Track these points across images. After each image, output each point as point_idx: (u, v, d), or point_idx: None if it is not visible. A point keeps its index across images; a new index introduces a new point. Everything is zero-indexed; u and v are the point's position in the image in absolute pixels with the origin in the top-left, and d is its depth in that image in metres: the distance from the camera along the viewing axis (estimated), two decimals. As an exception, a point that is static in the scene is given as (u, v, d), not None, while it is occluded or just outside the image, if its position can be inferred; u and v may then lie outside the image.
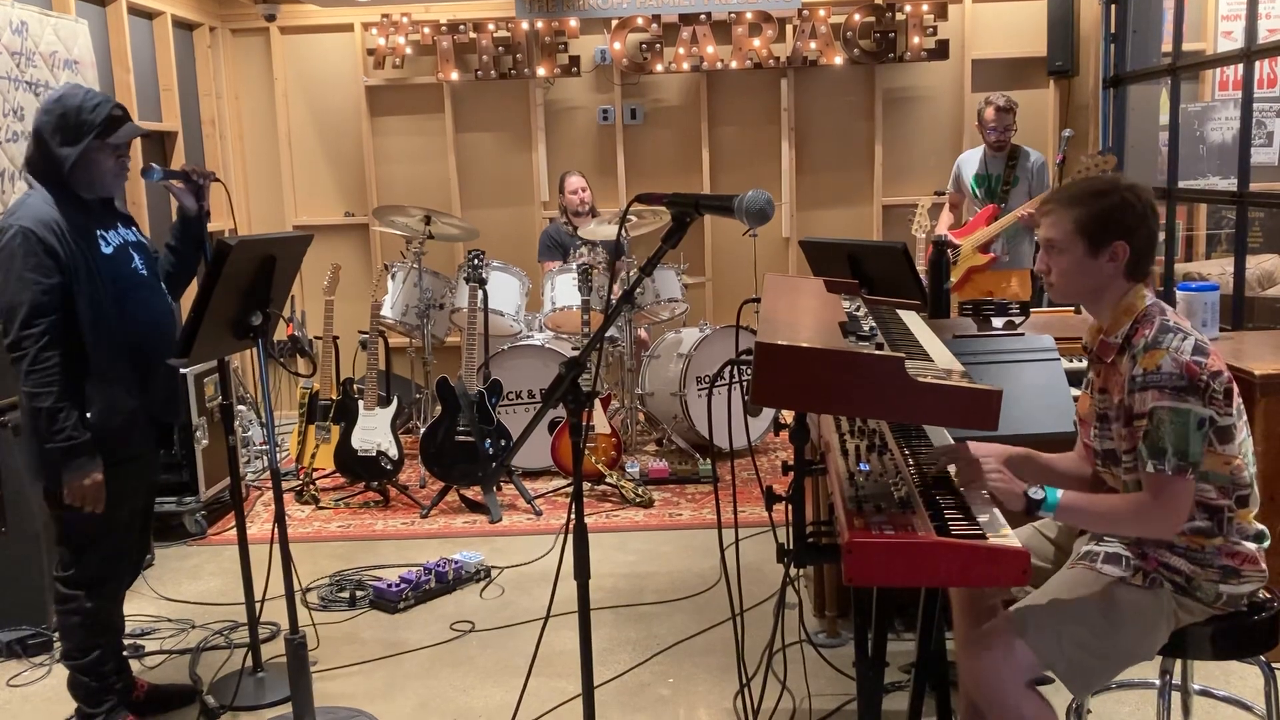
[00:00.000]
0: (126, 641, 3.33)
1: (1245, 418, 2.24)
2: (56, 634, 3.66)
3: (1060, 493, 2.18)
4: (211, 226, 3.18)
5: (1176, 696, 2.56)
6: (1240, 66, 5.28)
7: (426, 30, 6.69)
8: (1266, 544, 2.28)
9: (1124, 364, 2.23)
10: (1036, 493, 2.16)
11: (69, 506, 2.91)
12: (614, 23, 6.62)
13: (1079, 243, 2.26)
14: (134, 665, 3.41)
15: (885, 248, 3.41)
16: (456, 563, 4.23)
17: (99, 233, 2.93)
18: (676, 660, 3.54)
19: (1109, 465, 2.33)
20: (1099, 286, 2.29)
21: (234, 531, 3.37)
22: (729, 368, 2.40)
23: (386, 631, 3.84)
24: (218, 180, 3.21)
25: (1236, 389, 2.20)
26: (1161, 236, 5.51)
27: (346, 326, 6.22)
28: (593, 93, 6.92)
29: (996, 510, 2.09)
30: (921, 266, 4.49)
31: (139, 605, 4.02)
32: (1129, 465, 2.24)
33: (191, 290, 3.15)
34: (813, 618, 3.67)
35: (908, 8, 6.55)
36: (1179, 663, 2.47)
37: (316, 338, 5.75)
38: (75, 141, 2.84)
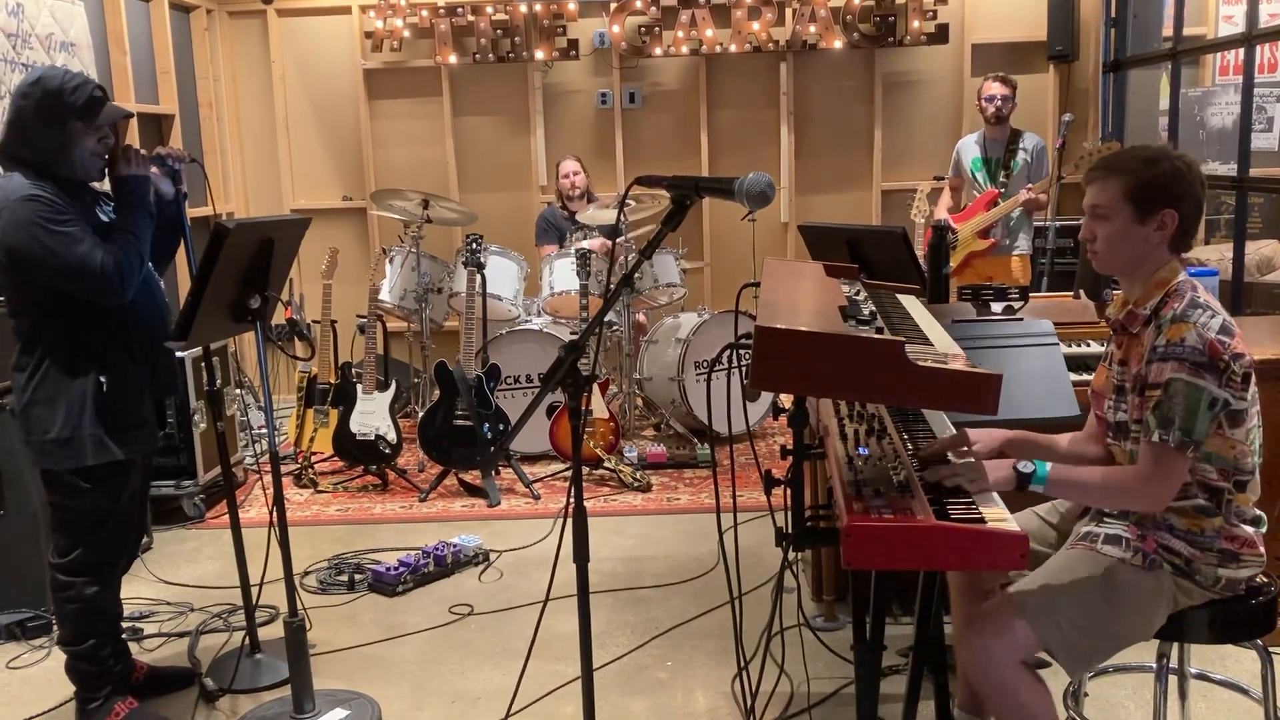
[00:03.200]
0: (125, 624, 3.33)
1: (1259, 406, 2.24)
2: (55, 618, 3.67)
3: (1050, 465, 2.18)
4: (200, 211, 3.16)
5: (1173, 680, 2.56)
6: (1241, 51, 5.27)
7: (424, 13, 6.66)
8: (1264, 528, 2.28)
9: (1148, 335, 2.22)
10: (1026, 466, 2.16)
11: (67, 492, 2.91)
12: (612, 6, 6.59)
13: (1126, 209, 2.23)
14: (133, 648, 3.42)
15: (884, 232, 3.41)
16: (455, 546, 4.24)
17: (92, 206, 2.93)
18: (675, 643, 3.55)
19: (1119, 438, 2.32)
20: (1143, 256, 2.26)
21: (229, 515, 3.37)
22: (727, 352, 2.40)
23: (385, 614, 3.85)
24: (194, 162, 3.17)
25: (1253, 375, 2.19)
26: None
27: (344, 310, 6.20)
28: (591, 76, 6.90)
29: (995, 494, 2.09)
30: (921, 251, 4.49)
31: (138, 588, 4.02)
32: (1137, 434, 2.24)
33: (186, 274, 3.14)
34: (811, 601, 3.68)
35: (908, -9, 6.53)
36: (1176, 646, 2.48)
37: (314, 321, 5.75)
38: (57, 125, 2.78)
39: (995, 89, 5.49)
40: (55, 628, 3.65)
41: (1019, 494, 2.19)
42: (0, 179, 2.84)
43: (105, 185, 3.06)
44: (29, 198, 2.73)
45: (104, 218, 2.94)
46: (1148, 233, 2.24)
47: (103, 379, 2.87)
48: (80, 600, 2.98)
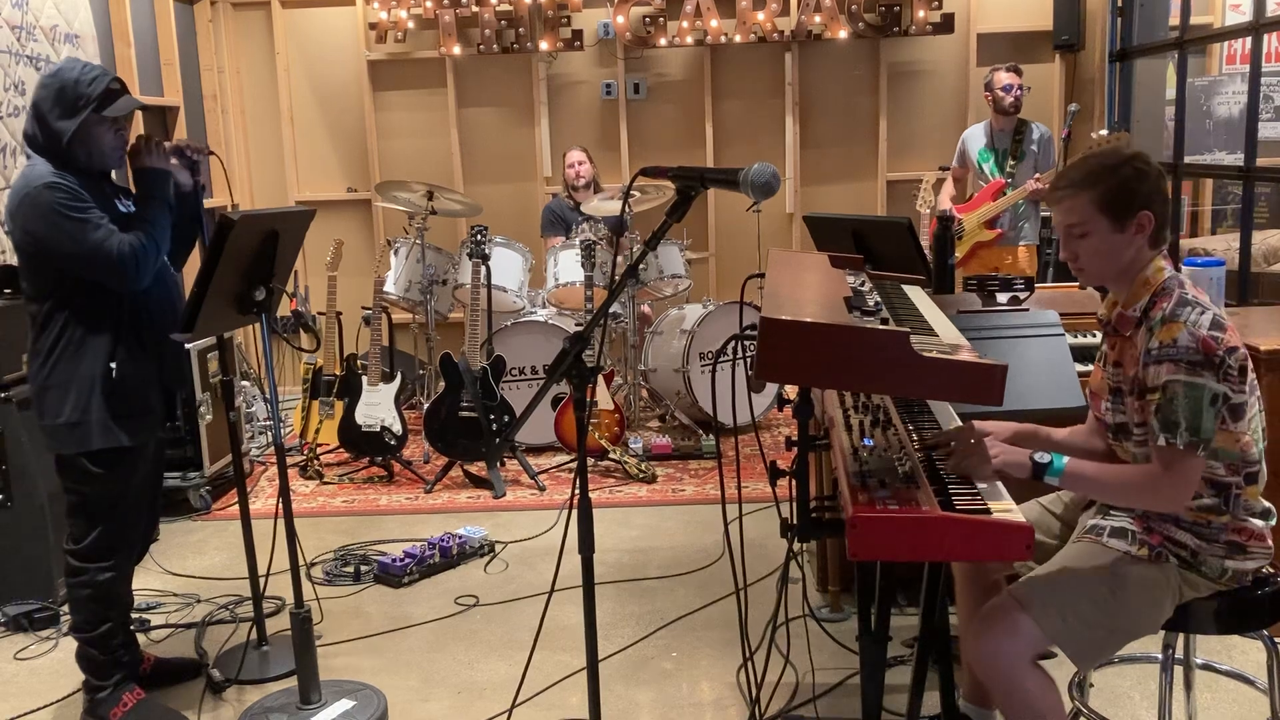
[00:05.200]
0: (133, 615, 3.34)
1: (1258, 394, 2.23)
2: (63, 608, 3.68)
3: (1067, 459, 2.17)
4: (215, 202, 3.18)
5: (1179, 671, 2.56)
6: (1248, 40, 5.24)
7: (428, 4, 6.64)
8: (1273, 521, 2.28)
9: (1140, 337, 2.21)
10: (1043, 457, 2.15)
11: (79, 478, 2.93)
12: (617, -4, 6.58)
13: (1102, 221, 2.22)
14: (140, 639, 3.42)
15: (890, 223, 3.40)
16: (460, 537, 4.24)
17: (111, 198, 2.96)
18: (680, 634, 3.55)
19: (1120, 439, 2.32)
20: (1129, 261, 2.25)
21: (238, 506, 3.38)
22: (733, 343, 2.40)
23: (391, 606, 3.86)
24: (213, 155, 3.21)
25: (1251, 365, 2.19)
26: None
27: (349, 302, 6.21)
28: (596, 67, 6.88)
29: (1000, 485, 2.09)
30: (926, 242, 4.49)
31: (145, 580, 4.03)
32: (1140, 438, 2.23)
33: (195, 265, 3.16)
34: (816, 592, 3.68)
35: (913, -19, 6.50)
36: (1182, 637, 2.47)
37: (320, 313, 5.76)
38: (73, 115, 2.83)
39: (1011, 78, 5.48)
40: (63, 618, 3.67)
41: (1026, 484, 2.19)
42: (26, 166, 2.90)
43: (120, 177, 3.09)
44: (50, 184, 2.79)
45: (122, 209, 2.98)
46: (1129, 238, 2.23)
47: (113, 365, 2.91)
48: (94, 586, 3.00)
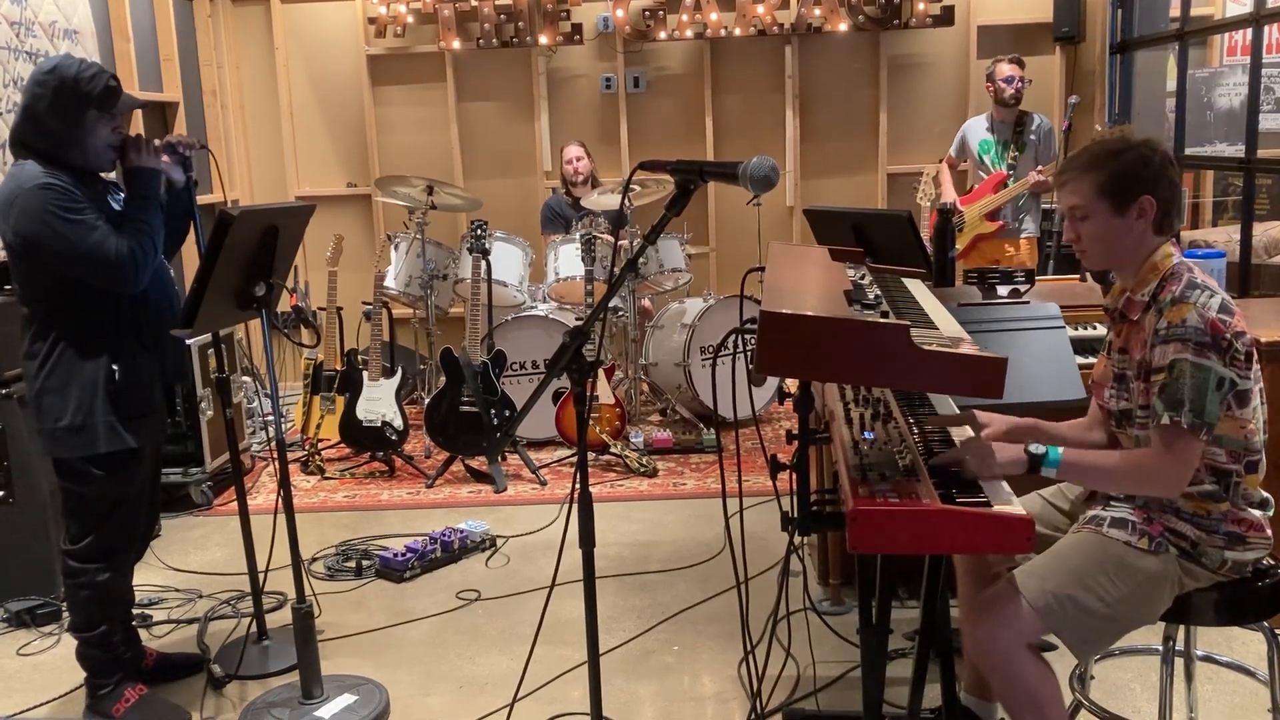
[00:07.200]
0: (135, 611, 3.34)
1: (1261, 383, 2.23)
2: (65, 603, 3.69)
3: (1062, 449, 2.17)
4: (212, 197, 3.16)
5: (1179, 662, 2.56)
6: (1249, 31, 5.23)
7: (427, -2, 6.64)
8: (1271, 511, 2.28)
9: (1149, 320, 2.22)
10: (1037, 449, 2.14)
11: (79, 479, 2.92)
12: (616, -10, 6.56)
13: (1103, 205, 2.23)
14: (142, 634, 3.43)
15: (890, 216, 3.40)
16: (462, 532, 4.25)
17: (104, 195, 2.93)
18: (681, 628, 3.56)
19: (1124, 426, 2.32)
20: (1131, 247, 2.26)
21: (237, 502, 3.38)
22: (733, 337, 2.40)
23: (392, 601, 3.86)
24: (204, 148, 3.17)
25: (1256, 354, 2.19)
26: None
27: (350, 297, 6.21)
28: (595, 61, 6.87)
29: (1002, 478, 2.08)
30: (926, 234, 4.48)
31: (146, 575, 4.04)
32: (1143, 421, 2.23)
33: (195, 261, 3.15)
34: (817, 586, 3.68)
35: (913, -27, 6.49)
36: (1182, 628, 2.48)
37: (320, 309, 5.75)
38: (73, 113, 2.79)
39: (1013, 70, 5.47)
40: (65, 614, 3.67)
41: (1026, 477, 2.19)
42: (13, 168, 2.84)
43: (113, 175, 3.07)
44: (43, 186, 2.74)
45: (115, 206, 2.95)
46: (1129, 223, 2.24)
47: (115, 366, 2.88)
48: (92, 587, 2.99)
